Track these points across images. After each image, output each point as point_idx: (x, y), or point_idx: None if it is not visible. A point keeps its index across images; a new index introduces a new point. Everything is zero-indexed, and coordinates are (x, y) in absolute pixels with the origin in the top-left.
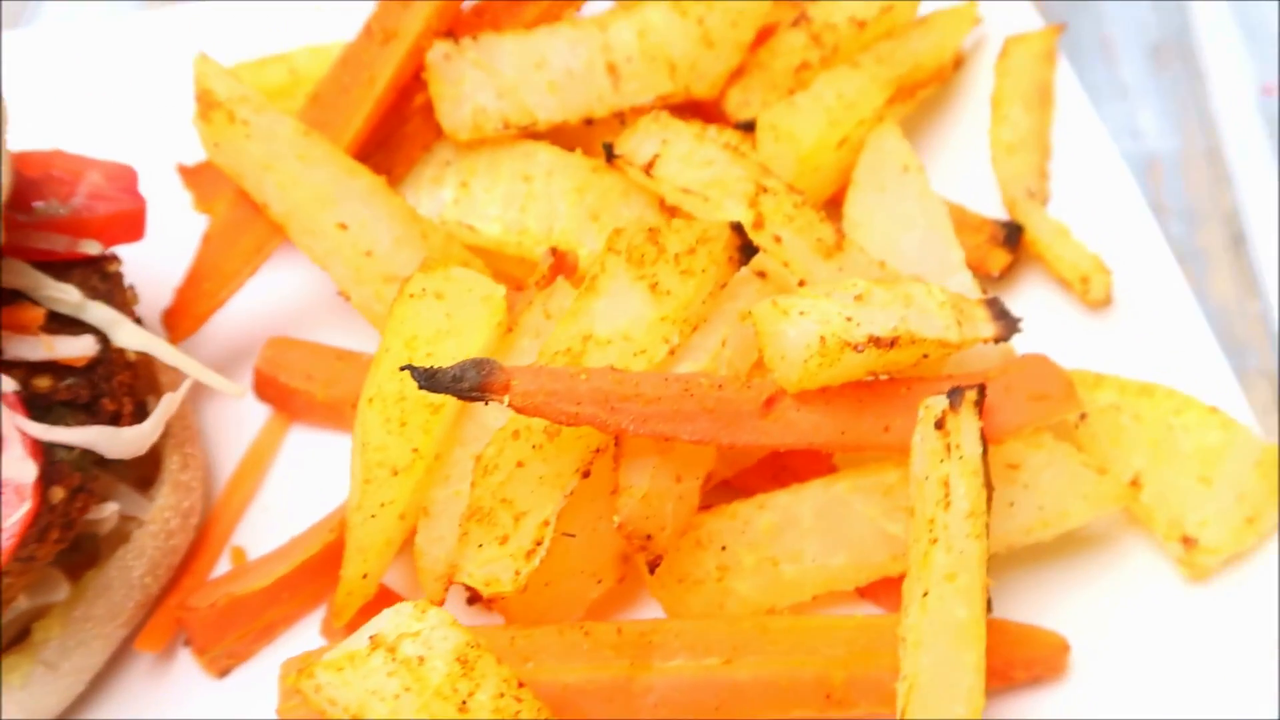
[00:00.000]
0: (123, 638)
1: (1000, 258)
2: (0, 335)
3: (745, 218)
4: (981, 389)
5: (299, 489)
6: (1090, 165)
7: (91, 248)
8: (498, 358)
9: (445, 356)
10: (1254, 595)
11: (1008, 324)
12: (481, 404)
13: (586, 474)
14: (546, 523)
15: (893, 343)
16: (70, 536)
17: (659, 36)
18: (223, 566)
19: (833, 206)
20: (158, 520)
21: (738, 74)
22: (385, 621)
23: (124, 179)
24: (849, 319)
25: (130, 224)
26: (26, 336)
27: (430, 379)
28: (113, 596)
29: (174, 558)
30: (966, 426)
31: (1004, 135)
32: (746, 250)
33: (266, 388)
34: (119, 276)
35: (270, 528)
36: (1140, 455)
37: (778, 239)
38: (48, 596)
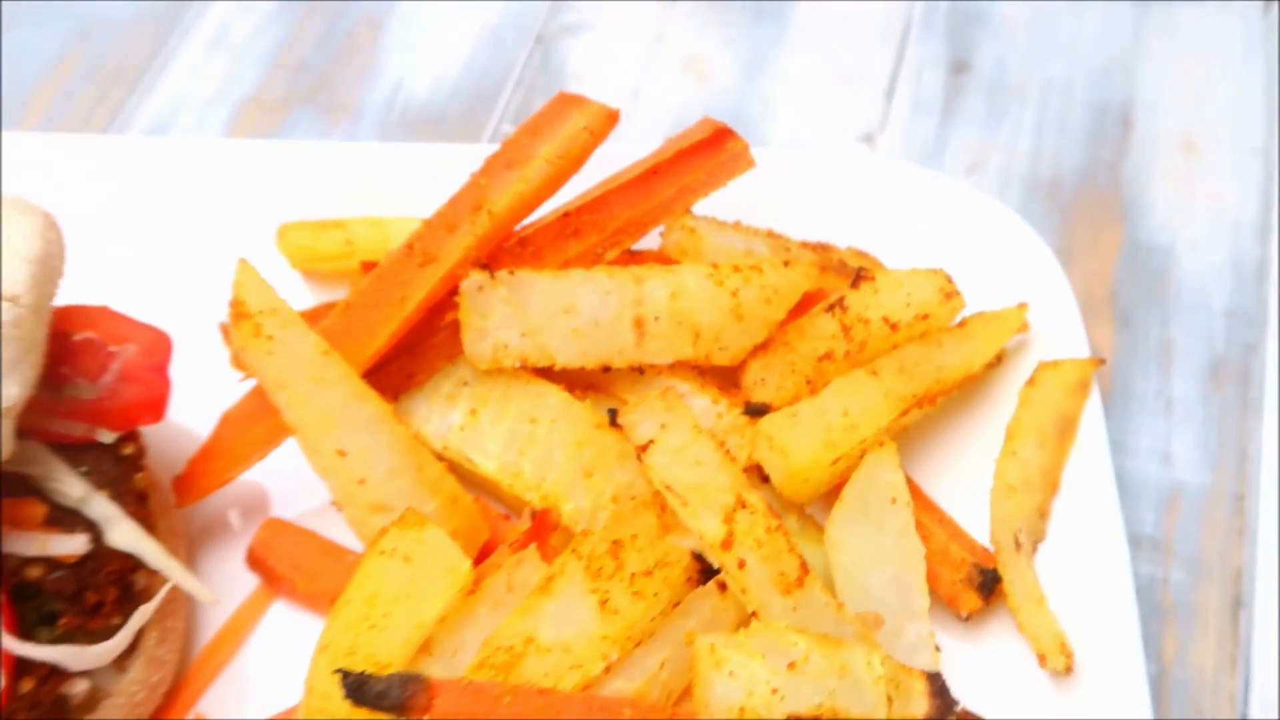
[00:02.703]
0: None
1: (971, 601)
2: (1, 531)
3: (717, 533)
4: None
5: (274, 663)
6: (1086, 520)
7: (106, 436)
8: (453, 624)
9: (401, 619)
10: None
11: (943, 704)
12: None
13: None
14: None
15: None
16: (37, 716)
17: (690, 301)
18: None
19: (831, 495)
20: (125, 693)
21: (763, 346)
22: None
23: (158, 353)
24: (774, 690)
25: (151, 409)
26: (25, 532)
27: (357, 690)
28: None
29: None
30: None
31: (1009, 473)
32: (706, 574)
33: (257, 565)
34: (131, 460)
35: (239, 698)
36: None
37: (742, 563)
38: None
